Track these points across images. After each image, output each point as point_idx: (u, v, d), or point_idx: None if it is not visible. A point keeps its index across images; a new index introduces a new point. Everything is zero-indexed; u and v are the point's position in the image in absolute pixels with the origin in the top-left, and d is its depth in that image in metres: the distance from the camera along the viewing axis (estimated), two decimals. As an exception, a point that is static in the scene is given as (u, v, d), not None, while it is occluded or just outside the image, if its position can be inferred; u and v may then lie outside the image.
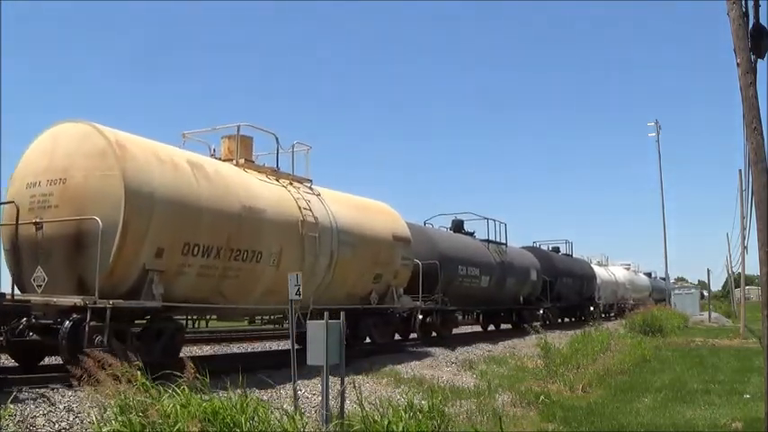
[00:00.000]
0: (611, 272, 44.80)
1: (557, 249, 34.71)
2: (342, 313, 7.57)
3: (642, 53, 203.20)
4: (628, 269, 51.70)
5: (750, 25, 6.83)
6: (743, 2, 6.81)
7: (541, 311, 28.96)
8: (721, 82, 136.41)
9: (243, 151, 12.49)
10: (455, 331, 22.74)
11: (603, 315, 40.20)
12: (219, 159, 12.26)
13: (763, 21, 6.92)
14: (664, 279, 60.07)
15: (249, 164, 12.48)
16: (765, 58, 7.02)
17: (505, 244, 24.76)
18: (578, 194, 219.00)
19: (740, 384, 12.82)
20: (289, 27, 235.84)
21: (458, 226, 23.39)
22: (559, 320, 33.37)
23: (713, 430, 8.84)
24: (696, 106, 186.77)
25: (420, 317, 17.71)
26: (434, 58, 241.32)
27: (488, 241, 23.55)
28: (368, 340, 15.62)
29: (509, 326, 27.01)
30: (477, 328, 27.12)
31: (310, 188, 13.52)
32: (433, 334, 19.26)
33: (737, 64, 6.73)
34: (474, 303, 23.12)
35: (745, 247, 31.00)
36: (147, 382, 6.12)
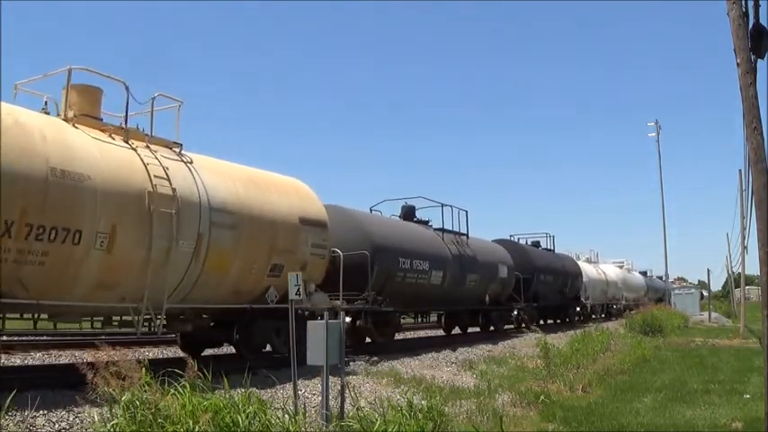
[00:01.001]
0: (602, 270, 42.22)
1: (537, 244, 31.65)
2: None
3: (642, 53, 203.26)
4: (621, 267, 49.26)
5: (750, 25, 6.82)
6: (743, 2, 6.81)
7: (515, 313, 25.77)
8: (721, 82, 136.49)
9: (81, 103, 9.79)
10: (406, 336, 21.04)
11: (593, 316, 38.40)
12: (59, 117, 9.56)
13: (763, 21, 6.92)
14: (661, 278, 60.04)
15: (87, 120, 9.71)
16: (765, 58, 7.02)
17: (466, 235, 21.25)
18: (578, 194, 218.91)
19: (740, 384, 12.82)
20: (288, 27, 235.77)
21: (408, 213, 20.04)
22: (540, 322, 29.46)
23: (713, 430, 8.84)
24: (696, 106, 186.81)
25: (348, 320, 14.40)
26: (434, 58, 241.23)
27: (443, 231, 19.95)
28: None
29: (477, 329, 23.68)
30: (440, 332, 23.76)
31: (179, 154, 10.79)
32: (368, 340, 16.57)
33: (737, 64, 6.73)
34: (423, 303, 19.49)
35: (745, 247, 31.03)
36: (150, 381, 6.12)
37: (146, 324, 9.75)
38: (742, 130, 7.13)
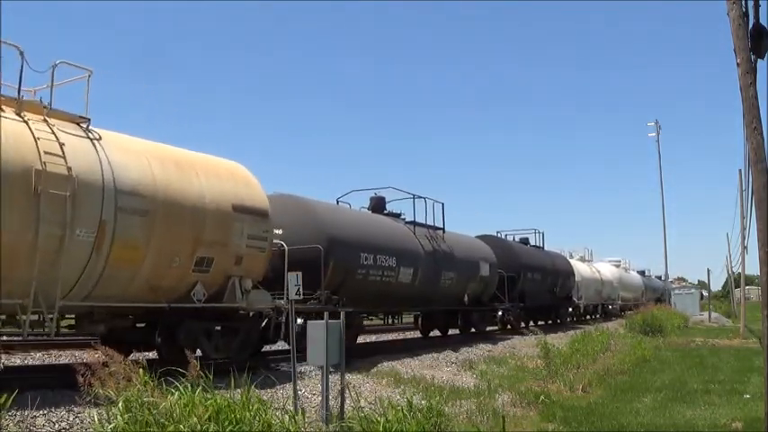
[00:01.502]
0: (596, 268, 40.17)
1: (525, 241, 29.51)
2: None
3: (641, 52, 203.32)
4: (618, 266, 46.93)
5: (750, 25, 6.83)
6: (743, 2, 6.81)
7: (500, 313, 23.71)
8: (721, 82, 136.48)
9: None
10: (373, 339, 19.86)
11: (587, 317, 37.43)
12: None
13: (763, 21, 6.92)
14: (659, 277, 59.88)
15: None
16: (765, 58, 7.02)
17: (442, 229, 19.32)
18: (577, 194, 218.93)
19: (740, 384, 12.82)
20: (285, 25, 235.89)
21: (377, 205, 18.24)
22: (530, 324, 28.08)
23: (713, 430, 8.84)
24: (696, 106, 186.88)
25: (300, 321, 12.52)
26: (432, 57, 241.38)
27: (415, 224, 18.08)
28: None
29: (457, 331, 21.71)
30: (416, 334, 22.01)
31: (85, 129, 9.36)
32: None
33: (737, 64, 6.73)
34: (391, 304, 17.53)
35: (745, 247, 31.06)
36: (151, 380, 6.12)
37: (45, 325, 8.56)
38: (742, 130, 7.14)
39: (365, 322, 18.40)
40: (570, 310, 32.97)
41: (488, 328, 23.39)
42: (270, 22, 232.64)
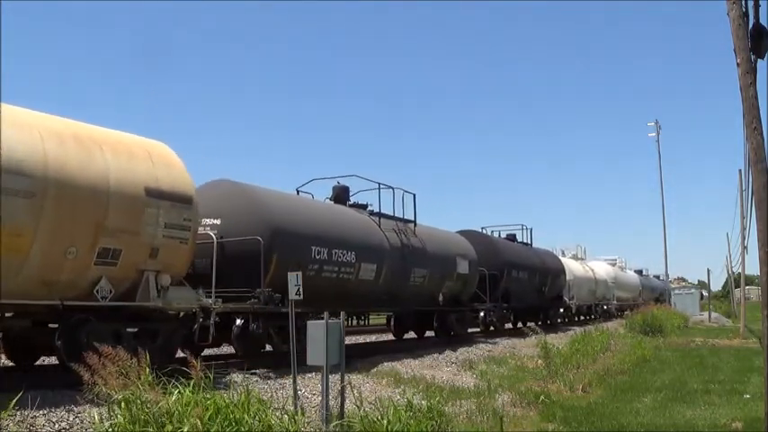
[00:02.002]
0: (589, 267, 38.45)
1: (512, 237, 27.46)
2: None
3: (642, 52, 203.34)
4: (613, 265, 45.22)
5: (750, 25, 6.83)
6: (743, 2, 6.82)
7: (481, 314, 21.85)
8: (721, 82, 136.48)
9: None
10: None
11: (578, 318, 35.79)
12: None
13: (763, 21, 6.93)
14: (658, 277, 59.65)
15: None
16: (765, 58, 7.02)
17: (413, 222, 17.62)
18: (576, 193, 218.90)
19: (740, 384, 12.83)
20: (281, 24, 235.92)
21: (340, 194, 16.46)
22: (516, 325, 26.64)
23: (713, 430, 8.85)
24: (696, 106, 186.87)
25: (239, 322, 11.70)
26: (432, 57, 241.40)
27: (380, 215, 16.32)
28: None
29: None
30: (388, 337, 20.64)
31: None
32: (268, 347, 13.02)
33: (737, 64, 6.74)
34: (351, 303, 15.51)
35: (745, 247, 31.10)
36: (151, 379, 6.12)
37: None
38: (742, 130, 7.15)
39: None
40: (561, 310, 31.42)
41: (470, 330, 21.95)
42: (267, 22, 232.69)
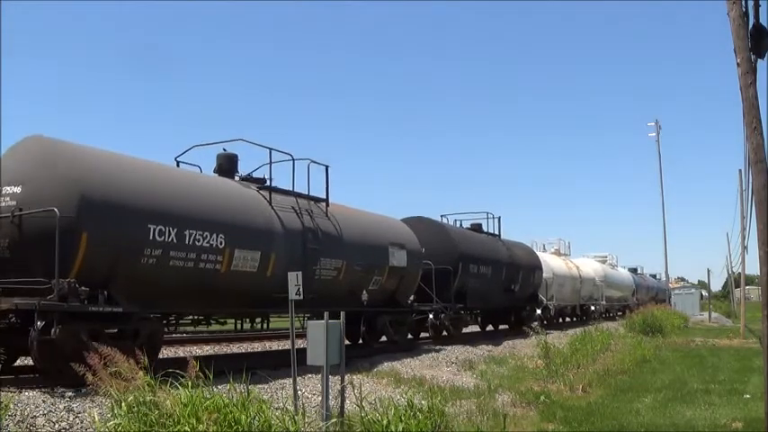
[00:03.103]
0: (574, 264, 34.51)
1: (477, 228, 23.32)
2: None
3: (642, 52, 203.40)
4: (604, 262, 41.51)
5: (750, 25, 6.83)
6: (743, 2, 6.82)
7: (430, 317, 18.11)
8: (722, 82, 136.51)
9: None
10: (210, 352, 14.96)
11: (559, 320, 32.40)
12: None
13: (763, 21, 6.93)
14: (654, 276, 59.34)
15: None
16: (765, 58, 7.03)
17: (325, 201, 14.01)
18: (575, 194, 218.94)
19: (740, 384, 12.84)
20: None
21: (226, 164, 12.87)
22: (485, 328, 24.58)
23: (713, 430, 8.85)
24: (696, 106, 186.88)
25: (39, 324, 8.39)
26: (429, 56, 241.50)
27: (274, 190, 12.71)
28: None
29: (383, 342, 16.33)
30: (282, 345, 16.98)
31: None
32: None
33: (737, 64, 6.74)
34: (221, 302, 11.63)
35: (745, 247, 31.16)
36: (151, 380, 6.12)
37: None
38: (742, 129, 7.15)
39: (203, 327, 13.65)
40: (539, 312, 27.24)
41: (418, 335, 19.09)
42: (266, 21, 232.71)
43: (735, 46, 6.79)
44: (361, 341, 15.75)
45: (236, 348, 16.51)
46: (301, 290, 8.10)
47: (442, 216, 21.96)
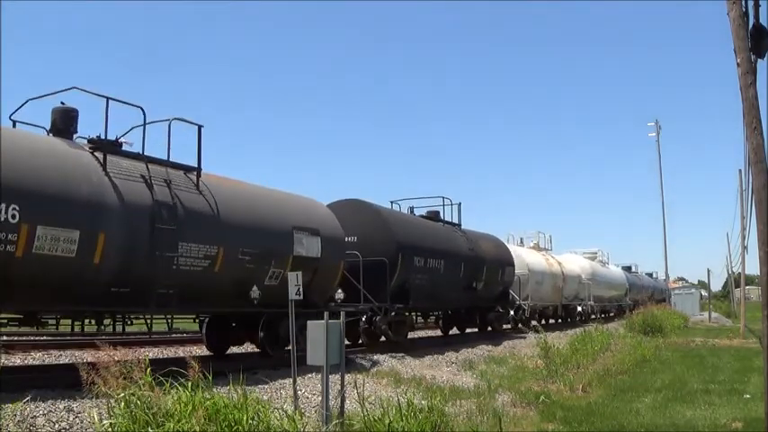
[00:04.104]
0: (556, 260, 31.15)
1: (433, 216, 19.77)
2: None
3: (642, 51, 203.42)
4: (593, 259, 38.57)
5: (750, 25, 6.84)
6: (743, 2, 6.82)
7: (362, 320, 15.40)
8: (722, 82, 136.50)
9: None
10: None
11: (543, 321, 29.49)
12: None
13: (763, 21, 6.93)
14: (650, 274, 58.94)
15: None
16: (765, 58, 7.03)
17: (196, 169, 11.10)
18: (574, 193, 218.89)
19: (740, 384, 12.85)
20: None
21: (59, 121, 9.98)
22: (447, 332, 21.37)
23: (713, 430, 8.86)
24: (696, 106, 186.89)
25: None
26: (427, 54, 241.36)
27: (112, 152, 9.87)
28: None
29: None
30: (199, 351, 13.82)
31: None
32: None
33: (737, 64, 6.74)
34: (17, 299, 8.53)
35: (745, 247, 31.20)
36: (151, 380, 6.13)
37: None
38: (742, 129, 7.15)
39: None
40: (512, 313, 24.42)
41: (356, 342, 16.43)
42: (266, 19, 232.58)
43: (735, 46, 6.79)
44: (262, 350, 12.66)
45: (236, 349, 16.52)
46: (301, 290, 8.08)
47: (392, 202, 18.86)
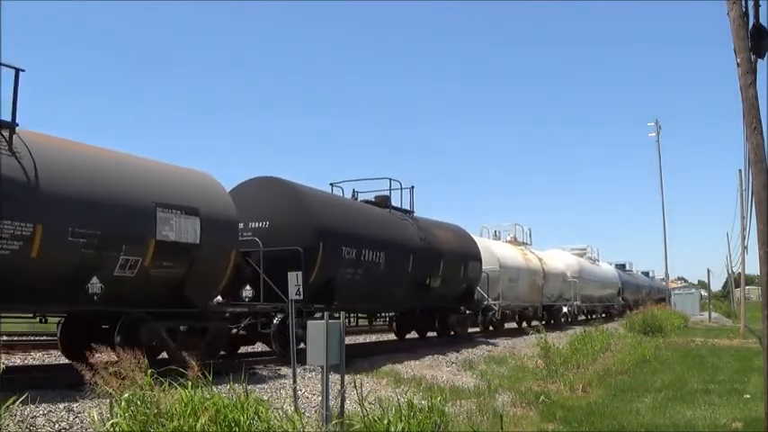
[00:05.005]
0: (536, 255, 28.04)
1: (382, 201, 16.81)
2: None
3: (642, 51, 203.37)
4: (582, 255, 35.83)
5: (750, 25, 6.83)
6: (743, 2, 6.82)
7: (273, 323, 12.04)
8: (722, 82, 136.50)
9: None
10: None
11: (523, 324, 25.37)
12: None
13: (763, 21, 6.93)
14: (647, 273, 58.68)
15: None
16: (765, 58, 7.03)
17: (9, 126, 8.32)
18: (575, 194, 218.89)
19: (740, 384, 12.85)
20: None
21: None
22: (403, 337, 18.72)
23: (713, 430, 8.86)
24: (696, 106, 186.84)
25: None
26: (428, 53, 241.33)
27: None
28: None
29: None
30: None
31: None
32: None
33: (737, 64, 6.74)
34: None
35: (745, 247, 31.19)
36: (151, 380, 6.12)
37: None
38: (742, 129, 7.15)
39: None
40: (481, 316, 21.85)
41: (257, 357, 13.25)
42: (266, 19, 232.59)
43: (735, 46, 6.78)
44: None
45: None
46: (301, 290, 8.06)
47: (331, 185, 16.07)
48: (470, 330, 21.45)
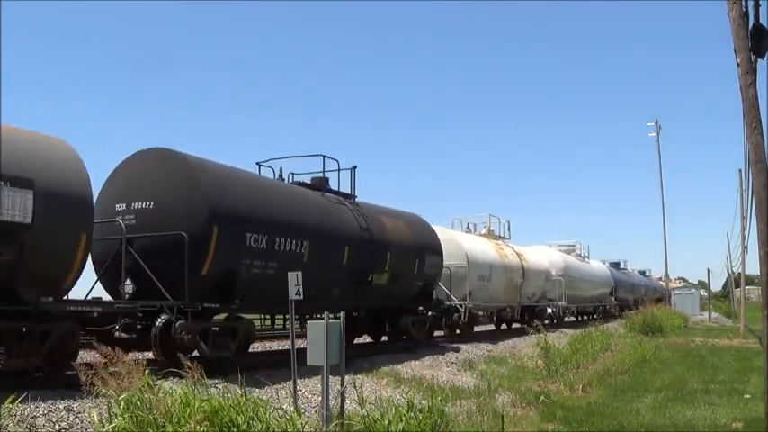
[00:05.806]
0: (514, 250, 24.98)
1: (318, 184, 14.34)
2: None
3: (642, 51, 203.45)
4: (570, 252, 32.52)
5: (750, 25, 6.84)
6: (743, 2, 6.83)
7: (157, 324, 9.74)
8: (723, 81, 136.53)
9: None
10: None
11: (505, 326, 25.10)
12: None
13: (763, 21, 6.94)
14: (643, 272, 58.47)
15: None
16: (765, 58, 7.03)
17: None
18: (575, 194, 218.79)
19: (740, 384, 12.85)
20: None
21: None
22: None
23: (713, 430, 8.86)
24: (696, 106, 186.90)
25: None
26: (428, 53, 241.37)
27: None
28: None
29: None
30: None
31: None
32: None
33: (737, 64, 6.75)
34: None
35: (745, 247, 31.18)
36: (150, 381, 6.13)
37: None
38: (742, 129, 7.16)
39: None
40: (445, 319, 19.01)
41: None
42: (266, 19, 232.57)
43: (735, 46, 6.79)
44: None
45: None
46: (301, 290, 8.04)
47: (258, 164, 14.11)
48: (438, 334, 19.35)
